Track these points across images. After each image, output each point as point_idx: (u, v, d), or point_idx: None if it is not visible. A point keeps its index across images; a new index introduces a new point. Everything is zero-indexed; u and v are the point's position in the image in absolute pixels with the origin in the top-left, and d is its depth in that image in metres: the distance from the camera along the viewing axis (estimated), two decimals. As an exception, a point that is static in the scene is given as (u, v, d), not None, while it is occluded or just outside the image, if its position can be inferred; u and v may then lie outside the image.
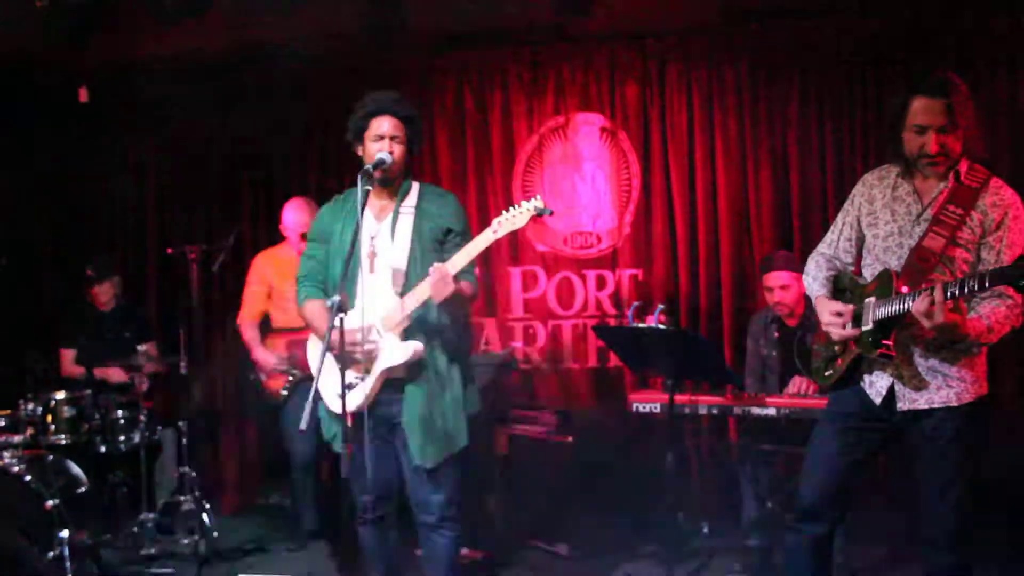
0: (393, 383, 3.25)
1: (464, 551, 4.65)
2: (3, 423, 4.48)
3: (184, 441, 4.95)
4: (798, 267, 4.38)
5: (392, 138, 3.27)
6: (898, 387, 2.85)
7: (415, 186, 3.40)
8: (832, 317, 2.93)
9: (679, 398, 4.03)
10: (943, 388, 2.80)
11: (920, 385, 2.81)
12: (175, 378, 5.12)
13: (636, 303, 4.96)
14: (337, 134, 4.51)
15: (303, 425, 2.63)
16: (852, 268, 3.07)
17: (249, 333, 4.92)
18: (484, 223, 3.21)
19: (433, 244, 3.30)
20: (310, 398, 2.71)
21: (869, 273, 2.97)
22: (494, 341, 5.62)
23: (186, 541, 4.77)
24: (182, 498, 4.88)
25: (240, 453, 5.98)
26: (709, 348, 3.91)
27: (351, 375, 3.17)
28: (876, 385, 2.90)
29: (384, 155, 3.21)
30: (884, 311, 2.77)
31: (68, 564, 4.01)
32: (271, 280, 4.91)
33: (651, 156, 5.44)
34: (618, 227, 5.49)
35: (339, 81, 5.53)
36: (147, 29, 5.14)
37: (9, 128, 5.74)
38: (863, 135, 5.10)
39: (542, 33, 5.43)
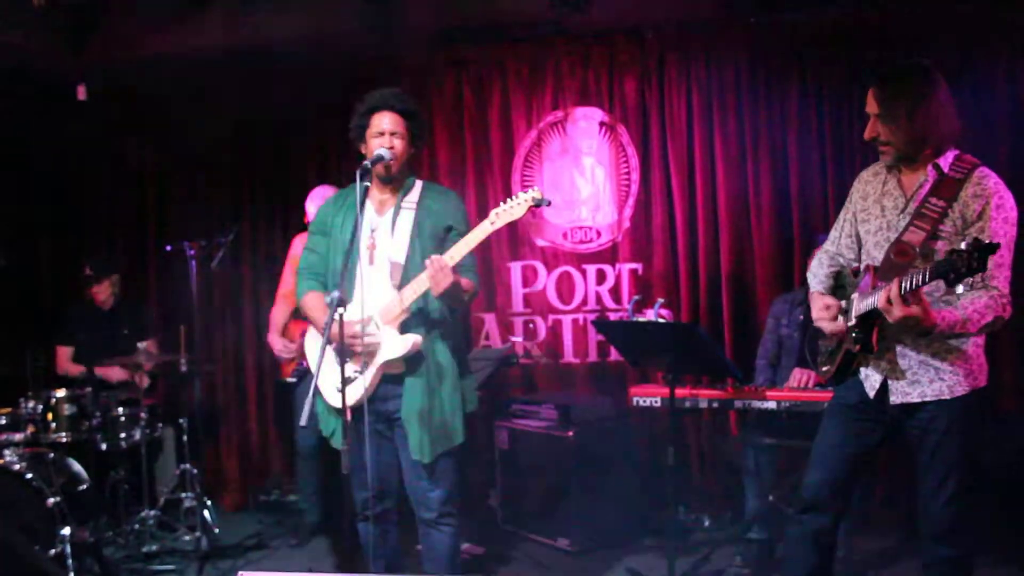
0: (392, 377, 3.26)
1: (465, 546, 4.66)
2: (4, 421, 4.50)
3: (185, 438, 4.96)
4: None
5: (393, 134, 3.27)
6: (890, 381, 2.85)
7: (418, 183, 3.41)
8: (821, 312, 2.97)
9: (679, 392, 4.02)
10: (935, 381, 2.79)
11: (905, 377, 2.82)
12: (175, 375, 5.13)
13: (635, 297, 4.96)
14: (336, 131, 4.53)
15: (303, 421, 2.63)
16: (855, 263, 3.07)
17: (275, 314, 4.91)
18: (483, 218, 3.20)
19: (433, 240, 3.30)
20: (310, 392, 2.71)
21: (863, 267, 2.98)
22: (494, 336, 5.62)
23: (187, 538, 4.80)
24: (183, 495, 4.90)
25: (241, 449, 5.99)
26: (708, 341, 3.90)
27: (350, 368, 3.17)
28: (871, 379, 2.91)
29: (383, 151, 3.22)
30: (862, 306, 2.81)
31: (70, 561, 4.02)
32: None
33: (650, 150, 5.43)
34: (618, 221, 5.49)
35: (338, 77, 5.52)
36: (146, 27, 5.13)
37: (7, 126, 5.74)
38: (863, 128, 5.07)
39: (540, 28, 5.41)
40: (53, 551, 4.02)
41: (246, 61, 5.51)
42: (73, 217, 6.10)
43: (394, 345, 3.21)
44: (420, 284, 3.15)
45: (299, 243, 4.97)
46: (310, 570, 4.48)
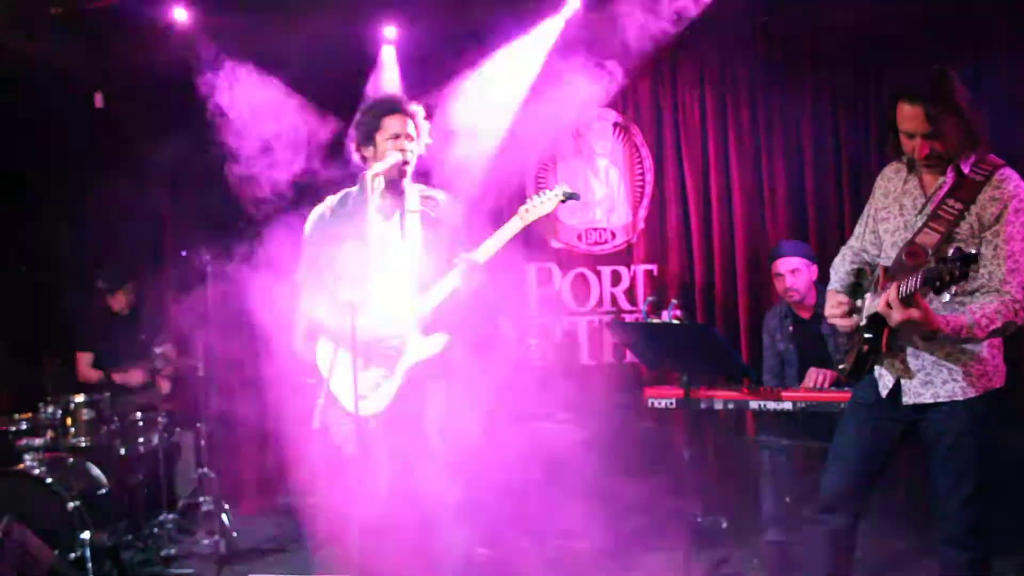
0: (414, 380, 3.25)
1: (482, 549, 4.66)
2: (24, 426, 4.54)
3: (203, 442, 4.99)
4: (808, 253, 4.38)
5: (406, 137, 3.26)
6: (903, 381, 2.83)
7: (412, 187, 3.38)
8: (832, 308, 2.97)
9: (695, 393, 4.01)
10: (949, 382, 2.76)
11: (918, 377, 2.79)
12: (193, 380, 5.15)
13: (650, 298, 4.94)
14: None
15: (316, 424, 2.64)
16: (879, 260, 3.04)
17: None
18: (498, 221, 3.21)
19: (438, 240, 3.31)
20: (321, 397, 2.72)
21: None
22: (509, 338, 5.61)
23: (206, 542, 4.81)
24: (201, 499, 4.92)
25: (259, 453, 6.01)
26: (723, 343, 3.88)
27: (376, 375, 3.17)
28: (884, 378, 2.90)
29: (394, 153, 3.21)
30: (872, 307, 2.79)
31: (89, 565, 4.05)
32: None
33: (664, 151, 5.42)
34: (632, 222, 5.48)
35: (352, 81, 5.53)
36: (160, 35, 5.16)
37: (25, 134, 5.79)
38: (878, 127, 5.06)
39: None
40: (72, 555, 4.05)
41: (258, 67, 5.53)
42: (91, 223, 6.14)
43: (424, 346, 3.22)
44: (448, 284, 3.16)
45: None
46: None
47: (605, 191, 5.52)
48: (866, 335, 2.84)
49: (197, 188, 6.06)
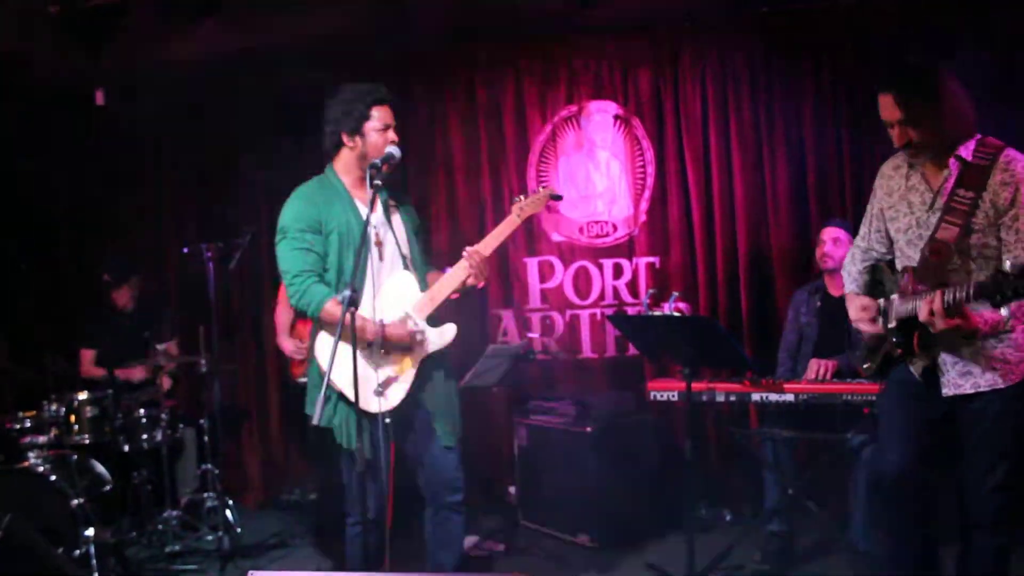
0: (421, 370, 3.29)
1: (485, 543, 4.68)
2: (28, 424, 4.55)
3: (206, 438, 5.00)
4: (853, 232, 4.37)
5: (394, 128, 3.28)
6: (941, 376, 2.80)
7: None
8: (859, 313, 2.94)
9: (697, 386, 4.01)
10: (987, 371, 2.73)
11: (955, 370, 2.76)
12: (195, 376, 5.16)
13: (651, 290, 4.94)
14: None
15: (315, 420, 2.65)
16: (888, 257, 3.01)
17: (280, 316, 4.94)
18: (500, 215, 3.25)
19: (416, 236, 3.43)
20: (321, 392, 2.72)
21: (899, 265, 2.93)
22: (512, 332, 5.62)
23: (210, 538, 4.82)
24: (205, 495, 4.93)
25: (262, 449, 6.03)
26: (725, 334, 3.87)
27: (389, 370, 3.20)
28: (916, 365, 2.86)
29: (394, 148, 3.20)
30: (902, 310, 2.76)
31: (94, 562, 4.07)
32: None
33: (665, 143, 5.40)
34: (634, 215, 5.47)
35: (352, 77, 5.50)
36: (162, 32, 5.16)
37: (25, 131, 5.80)
38: (880, 118, 5.01)
39: (552, 23, 5.39)
40: (77, 552, 4.06)
41: (261, 63, 5.53)
42: (92, 220, 6.15)
43: (441, 337, 3.30)
44: (456, 276, 3.24)
45: None
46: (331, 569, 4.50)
47: (606, 184, 5.51)
48: (896, 338, 2.81)
49: (198, 185, 6.10)
